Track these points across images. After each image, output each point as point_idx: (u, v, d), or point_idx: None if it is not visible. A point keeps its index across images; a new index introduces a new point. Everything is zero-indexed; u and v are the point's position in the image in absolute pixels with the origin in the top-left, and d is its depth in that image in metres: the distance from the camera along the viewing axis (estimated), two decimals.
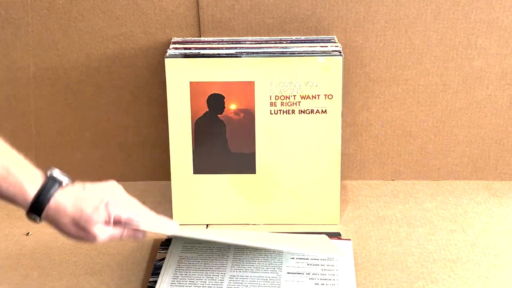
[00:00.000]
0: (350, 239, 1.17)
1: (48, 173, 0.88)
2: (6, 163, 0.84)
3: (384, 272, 1.10)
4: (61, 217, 0.87)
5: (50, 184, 0.87)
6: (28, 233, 1.23)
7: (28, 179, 0.85)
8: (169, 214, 1.27)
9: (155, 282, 1.05)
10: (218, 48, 1.21)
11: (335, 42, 1.25)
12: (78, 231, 0.88)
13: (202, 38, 1.29)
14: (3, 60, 1.33)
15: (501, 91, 1.32)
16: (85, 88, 1.36)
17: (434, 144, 1.37)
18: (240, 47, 1.21)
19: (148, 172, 1.41)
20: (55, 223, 0.87)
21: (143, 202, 1.32)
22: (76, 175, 1.41)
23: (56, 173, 0.89)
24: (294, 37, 1.28)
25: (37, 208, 0.85)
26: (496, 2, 1.26)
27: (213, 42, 1.26)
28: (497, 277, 1.08)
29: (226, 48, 1.21)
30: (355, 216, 1.27)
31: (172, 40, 1.28)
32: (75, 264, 1.13)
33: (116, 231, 0.91)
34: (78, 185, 0.92)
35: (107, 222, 0.89)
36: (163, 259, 1.11)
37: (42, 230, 1.24)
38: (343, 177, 1.37)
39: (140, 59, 1.32)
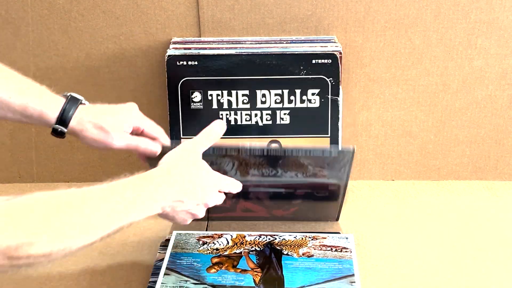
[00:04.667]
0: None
1: (67, 94, 0.99)
2: (25, 101, 0.93)
3: (384, 272, 1.10)
4: (85, 123, 0.98)
5: (72, 101, 0.98)
6: None
7: (48, 105, 0.96)
8: None
9: (155, 282, 1.05)
10: (218, 48, 1.21)
11: (335, 42, 1.25)
12: (100, 133, 0.98)
13: (202, 38, 1.29)
14: (3, 60, 1.32)
15: (501, 91, 1.32)
16: (85, 88, 1.36)
17: (434, 144, 1.37)
18: (240, 47, 1.21)
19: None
20: (79, 130, 0.98)
21: None
22: (76, 175, 1.42)
23: (74, 94, 0.99)
24: (294, 37, 1.28)
25: (63, 120, 0.96)
26: (496, 2, 1.26)
27: (213, 42, 1.26)
28: (497, 277, 1.08)
29: (226, 48, 1.21)
30: (355, 216, 1.27)
31: (172, 40, 1.28)
32: (75, 264, 1.13)
33: (133, 140, 1.02)
34: (98, 104, 1.02)
35: (127, 129, 1.02)
36: (163, 259, 1.11)
37: None
38: None
39: (140, 59, 1.32)
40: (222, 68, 1.19)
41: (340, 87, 1.20)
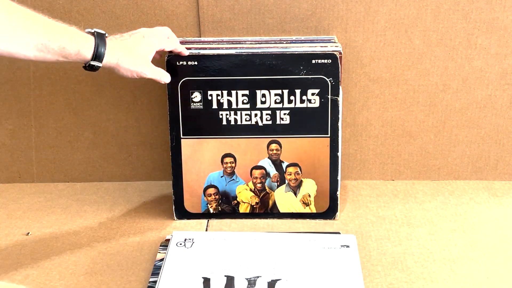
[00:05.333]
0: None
1: (92, 31, 1.05)
2: (63, 43, 1.00)
3: (384, 272, 1.10)
4: (117, 57, 1.07)
5: (100, 37, 1.05)
6: (28, 233, 1.23)
7: (83, 44, 1.02)
8: (170, 214, 1.28)
9: (155, 282, 1.05)
10: (218, 48, 1.21)
11: (335, 42, 1.25)
12: (132, 64, 1.09)
13: (202, 38, 1.29)
14: (3, 60, 1.33)
15: (501, 91, 1.32)
16: (85, 88, 1.36)
17: (434, 144, 1.37)
18: (240, 47, 1.21)
19: (148, 172, 1.41)
20: (115, 64, 1.07)
21: (143, 202, 1.34)
22: (76, 175, 1.42)
23: (98, 30, 1.06)
24: (294, 37, 1.28)
25: (98, 56, 1.04)
26: (496, 2, 1.26)
27: (213, 42, 1.26)
28: (497, 277, 1.08)
29: (226, 48, 1.21)
30: (355, 216, 1.27)
31: None
32: (75, 264, 1.13)
33: (157, 73, 1.14)
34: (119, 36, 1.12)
35: (152, 55, 1.13)
36: (163, 259, 1.11)
37: (42, 230, 1.24)
38: (343, 177, 1.37)
39: None
40: (222, 68, 1.19)
41: (340, 87, 1.20)
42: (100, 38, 1.05)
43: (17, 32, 0.95)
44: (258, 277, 1.05)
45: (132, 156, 1.41)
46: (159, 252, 1.14)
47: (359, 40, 1.29)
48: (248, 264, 1.08)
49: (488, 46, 1.29)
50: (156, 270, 1.09)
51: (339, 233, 1.19)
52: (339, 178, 1.24)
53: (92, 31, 1.06)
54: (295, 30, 1.29)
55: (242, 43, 1.24)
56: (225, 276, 1.05)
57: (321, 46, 1.20)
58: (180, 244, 1.14)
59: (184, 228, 1.24)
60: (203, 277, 1.05)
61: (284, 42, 1.24)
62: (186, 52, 1.19)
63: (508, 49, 1.29)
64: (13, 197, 1.37)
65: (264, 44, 1.23)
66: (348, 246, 1.13)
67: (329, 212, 1.25)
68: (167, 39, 1.17)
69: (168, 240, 1.16)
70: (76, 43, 1.02)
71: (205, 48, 1.21)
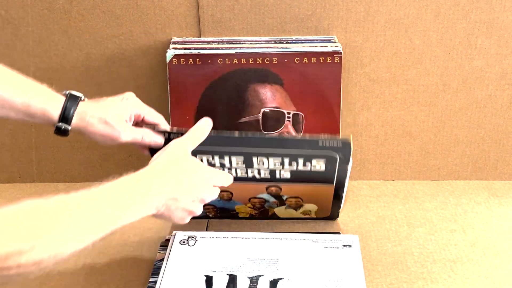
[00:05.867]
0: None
1: (66, 92, 0.99)
2: (27, 99, 0.93)
3: (384, 272, 1.10)
4: (89, 119, 0.99)
5: (72, 98, 0.99)
6: None
7: (50, 103, 0.96)
8: None
9: (155, 282, 1.05)
10: (218, 48, 1.21)
11: (335, 42, 1.25)
12: (106, 127, 0.99)
13: (202, 38, 1.29)
14: (3, 60, 1.32)
15: (501, 91, 1.32)
16: (85, 88, 1.35)
17: (434, 144, 1.37)
18: (240, 47, 1.21)
19: None
20: (84, 127, 0.99)
21: None
22: (76, 175, 1.42)
23: (73, 92, 1.00)
24: (294, 37, 1.28)
25: (65, 118, 0.97)
26: (496, 2, 1.26)
27: (213, 42, 1.26)
28: (497, 277, 1.08)
29: (226, 48, 1.21)
30: (355, 216, 1.27)
31: (172, 40, 1.28)
32: (75, 264, 1.13)
33: (138, 133, 1.03)
34: (96, 99, 1.03)
35: (129, 120, 1.03)
36: (163, 259, 1.11)
37: None
38: None
39: (140, 59, 1.32)
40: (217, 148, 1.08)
41: (351, 158, 1.09)
42: (71, 99, 0.99)
43: None
44: (260, 276, 1.05)
45: (132, 156, 1.41)
46: (159, 252, 1.14)
47: (359, 40, 1.29)
48: (250, 263, 1.08)
49: (488, 46, 1.29)
50: (156, 270, 1.09)
51: (339, 233, 1.19)
52: (342, 203, 1.20)
53: (67, 92, 1.01)
54: (295, 30, 1.29)
55: (242, 43, 1.24)
56: (227, 274, 1.05)
57: (321, 46, 1.20)
58: (183, 242, 1.14)
59: (184, 228, 1.23)
60: (205, 275, 1.05)
61: (284, 42, 1.24)
62: (161, 141, 1.07)
63: (508, 49, 1.29)
64: (13, 197, 1.37)
65: (264, 44, 1.23)
66: (350, 246, 1.13)
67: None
68: (146, 106, 1.08)
69: (168, 240, 1.16)
70: (42, 101, 0.97)
71: (205, 48, 1.21)
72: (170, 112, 1.21)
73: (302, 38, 1.27)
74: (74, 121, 0.98)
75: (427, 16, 1.27)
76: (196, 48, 1.21)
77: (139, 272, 1.11)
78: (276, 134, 1.21)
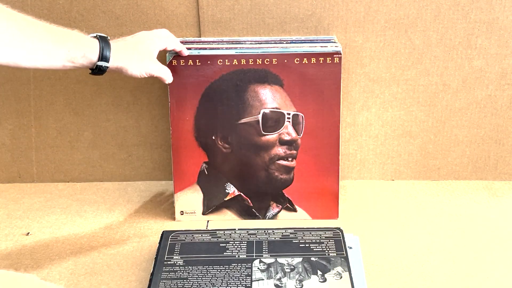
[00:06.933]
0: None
1: (95, 35, 1.06)
2: (67, 47, 0.99)
3: (384, 272, 1.10)
4: (125, 56, 1.08)
5: (102, 39, 1.05)
6: (28, 233, 1.23)
7: (87, 46, 1.03)
8: (170, 213, 1.28)
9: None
10: (218, 48, 1.21)
11: (335, 42, 1.25)
12: (138, 64, 1.09)
13: (202, 38, 1.29)
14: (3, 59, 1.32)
15: (501, 91, 1.32)
16: (85, 88, 1.36)
17: (434, 144, 1.37)
18: (240, 47, 1.21)
19: (148, 172, 1.41)
20: (121, 64, 1.07)
21: (143, 202, 1.34)
22: (76, 175, 1.42)
23: (100, 34, 1.07)
24: (294, 37, 1.28)
25: (104, 58, 1.04)
26: (496, 2, 1.26)
27: (213, 42, 1.26)
28: (497, 277, 1.08)
29: (226, 48, 1.21)
30: (355, 216, 1.27)
31: None
32: (75, 264, 1.13)
33: (161, 70, 1.15)
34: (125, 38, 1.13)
35: (156, 53, 1.13)
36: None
37: (42, 230, 1.24)
38: (343, 177, 1.37)
39: None
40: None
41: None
42: (104, 41, 1.05)
43: (22, 39, 0.93)
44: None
45: (132, 156, 1.41)
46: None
47: (359, 40, 1.29)
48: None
49: (488, 46, 1.29)
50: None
51: (340, 228, 1.19)
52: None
53: (95, 35, 1.05)
54: (295, 30, 1.29)
55: (242, 43, 1.24)
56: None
57: (321, 46, 1.20)
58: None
59: (184, 228, 1.24)
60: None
61: (284, 42, 1.24)
62: (186, 52, 1.19)
63: (508, 49, 1.29)
64: (13, 197, 1.37)
65: (264, 44, 1.23)
66: (350, 248, 1.13)
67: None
68: (168, 38, 1.17)
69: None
70: (81, 46, 1.02)
71: (205, 48, 1.21)
72: (170, 113, 1.21)
73: (302, 38, 1.27)
74: (112, 60, 1.05)
75: (427, 16, 1.27)
76: (196, 48, 1.21)
77: (139, 272, 1.11)
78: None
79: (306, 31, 1.29)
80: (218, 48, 1.21)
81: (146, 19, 1.29)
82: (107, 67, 1.05)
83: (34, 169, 1.42)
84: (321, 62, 1.19)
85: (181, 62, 1.19)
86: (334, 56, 1.18)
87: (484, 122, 1.35)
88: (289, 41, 1.25)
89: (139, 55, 1.10)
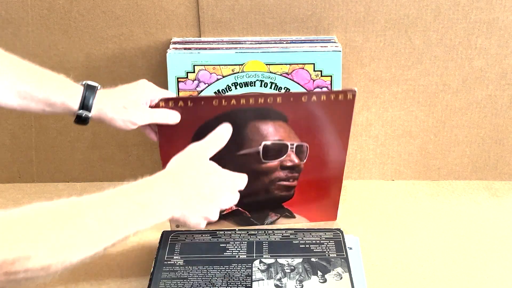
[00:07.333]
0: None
1: (83, 83, 1.01)
2: (47, 92, 0.96)
3: (384, 272, 1.10)
4: (108, 106, 1.01)
5: (89, 88, 1.00)
6: None
7: (69, 94, 0.98)
8: None
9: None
10: (218, 48, 1.21)
11: (335, 42, 1.25)
12: (125, 112, 1.01)
13: (202, 38, 1.29)
14: None
15: (501, 91, 1.32)
16: None
17: (434, 144, 1.37)
18: (240, 47, 1.21)
19: (148, 172, 1.41)
20: (104, 114, 1.01)
21: None
22: (76, 175, 1.42)
23: (89, 82, 1.01)
24: (294, 37, 1.28)
25: (86, 106, 0.99)
26: (496, 2, 1.26)
27: (213, 42, 1.26)
28: (497, 277, 1.08)
29: (226, 48, 1.21)
30: (355, 216, 1.27)
31: (172, 40, 1.28)
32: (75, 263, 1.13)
33: (154, 113, 1.05)
34: (111, 88, 1.05)
35: (145, 104, 1.04)
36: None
37: None
38: (343, 177, 1.37)
39: (140, 59, 1.32)
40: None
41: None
42: (89, 89, 1.01)
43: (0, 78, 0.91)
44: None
45: (132, 156, 1.41)
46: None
47: (359, 40, 1.29)
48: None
49: (488, 46, 1.29)
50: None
51: (340, 229, 1.19)
52: None
53: (83, 83, 1.02)
54: (295, 30, 1.29)
55: (242, 43, 1.24)
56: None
57: (321, 46, 1.20)
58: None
59: (184, 228, 1.24)
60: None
61: (284, 42, 1.24)
62: (178, 119, 1.07)
63: (508, 49, 1.29)
64: (13, 197, 1.37)
65: (264, 44, 1.23)
66: (351, 248, 1.13)
67: None
68: (151, 92, 1.08)
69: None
70: (63, 93, 0.98)
71: (205, 48, 1.21)
72: (160, 151, 1.13)
73: (302, 38, 1.27)
74: (94, 109, 1.00)
75: (427, 16, 1.27)
76: (196, 48, 1.21)
77: (139, 272, 1.11)
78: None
79: (306, 31, 1.29)
80: (218, 48, 1.21)
81: (146, 19, 1.29)
82: (88, 117, 0.99)
83: (34, 169, 1.42)
84: (332, 99, 1.07)
85: (170, 104, 1.07)
86: (348, 93, 1.06)
87: (484, 122, 1.35)
88: (289, 41, 1.24)
89: (124, 105, 1.02)
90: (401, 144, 1.37)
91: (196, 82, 1.20)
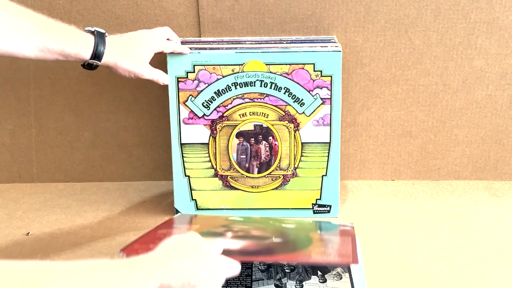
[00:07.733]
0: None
1: (92, 30, 1.06)
2: (62, 43, 1.01)
3: (384, 272, 1.10)
4: (116, 56, 1.07)
5: (99, 36, 1.06)
6: (28, 233, 1.23)
7: (82, 44, 1.03)
8: (170, 213, 1.28)
9: None
10: (218, 48, 1.21)
11: (335, 42, 1.25)
12: (132, 65, 1.10)
13: (202, 38, 1.29)
14: (3, 60, 1.33)
15: (501, 91, 1.32)
16: (85, 88, 1.36)
17: (434, 144, 1.37)
18: (240, 47, 1.21)
19: (148, 172, 1.42)
20: (113, 64, 1.08)
21: (143, 202, 1.34)
22: (76, 175, 1.42)
23: (98, 29, 1.07)
24: (294, 37, 1.28)
25: (97, 56, 1.05)
26: (496, 2, 1.26)
27: (213, 42, 1.26)
28: (497, 277, 1.08)
29: (226, 48, 1.21)
30: (355, 216, 1.27)
31: None
32: None
33: (155, 73, 1.15)
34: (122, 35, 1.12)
35: (150, 56, 1.13)
36: None
37: (42, 230, 1.24)
38: (343, 177, 1.37)
39: None
40: None
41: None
42: (99, 37, 1.05)
43: (18, 32, 0.96)
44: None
45: (132, 156, 1.41)
46: None
47: (359, 40, 1.29)
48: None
49: (488, 46, 1.29)
50: None
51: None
52: None
53: (92, 29, 1.06)
54: (295, 30, 1.29)
55: (242, 43, 1.24)
56: None
57: (321, 46, 1.20)
58: None
59: None
60: None
61: (284, 42, 1.24)
62: (188, 51, 1.19)
63: (508, 49, 1.29)
64: (13, 197, 1.37)
65: (264, 44, 1.23)
66: None
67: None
68: (167, 41, 1.17)
69: None
70: (76, 44, 1.03)
71: (205, 48, 1.21)
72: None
73: (302, 38, 1.27)
74: (104, 58, 1.06)
75: (427, 16, 1.27)
76: (196, 48, 1.21)
77: None
78: None
79: (306, 31, 1.29)
80: (218, 48, 1.21)
81: (146, 19, 1.29)
82: (98, 65, 1.06)
83: (34, 169, 1.42)
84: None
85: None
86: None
87: (484, 122, 1.35)
88: (289, 41, 1.25)
89: (131, 57, 1.10)
90: (401, 144, 1.37)
91: (196, 82, 1.20)
